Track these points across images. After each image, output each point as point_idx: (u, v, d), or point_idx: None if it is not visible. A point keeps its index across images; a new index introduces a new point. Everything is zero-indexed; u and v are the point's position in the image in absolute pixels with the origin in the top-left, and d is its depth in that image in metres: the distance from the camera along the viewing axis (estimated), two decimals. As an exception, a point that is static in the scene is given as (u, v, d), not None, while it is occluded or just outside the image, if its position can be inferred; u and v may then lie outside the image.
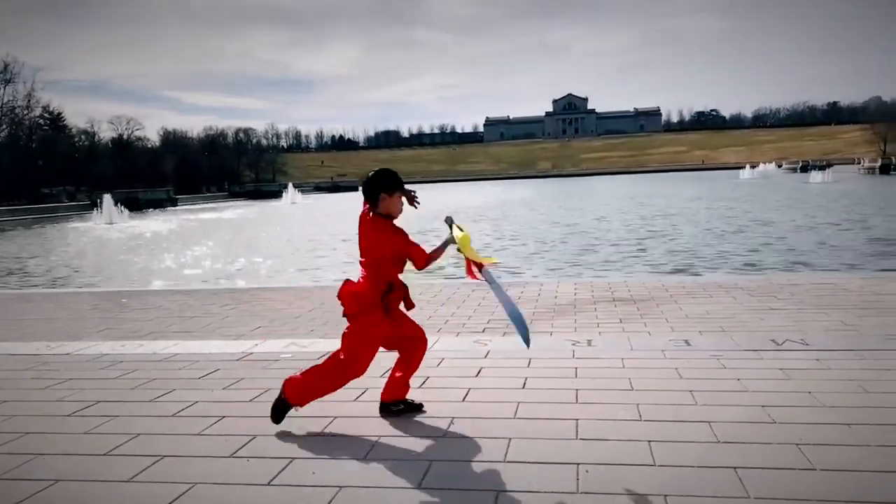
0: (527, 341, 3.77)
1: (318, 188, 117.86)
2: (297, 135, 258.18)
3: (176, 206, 75.79)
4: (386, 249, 3.88)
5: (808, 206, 32.37)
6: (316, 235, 28.46)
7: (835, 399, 4.13)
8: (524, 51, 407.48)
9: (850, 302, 7.23)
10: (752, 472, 3.19)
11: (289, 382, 4.04)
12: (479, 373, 5.08)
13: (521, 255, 18.77)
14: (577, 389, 4.54)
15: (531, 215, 35.11)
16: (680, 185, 68.96)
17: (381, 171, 3.95)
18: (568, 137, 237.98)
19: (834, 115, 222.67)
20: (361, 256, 3.98)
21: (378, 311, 3.88)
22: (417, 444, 3.72)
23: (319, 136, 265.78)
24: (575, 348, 5.72)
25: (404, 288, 4.01)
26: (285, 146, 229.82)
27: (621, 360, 5.24)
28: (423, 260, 3.91)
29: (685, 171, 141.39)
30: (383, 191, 3.89)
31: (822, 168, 76.18)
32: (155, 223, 42.54)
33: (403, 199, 3.97)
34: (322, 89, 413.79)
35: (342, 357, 3.96)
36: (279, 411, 4.05)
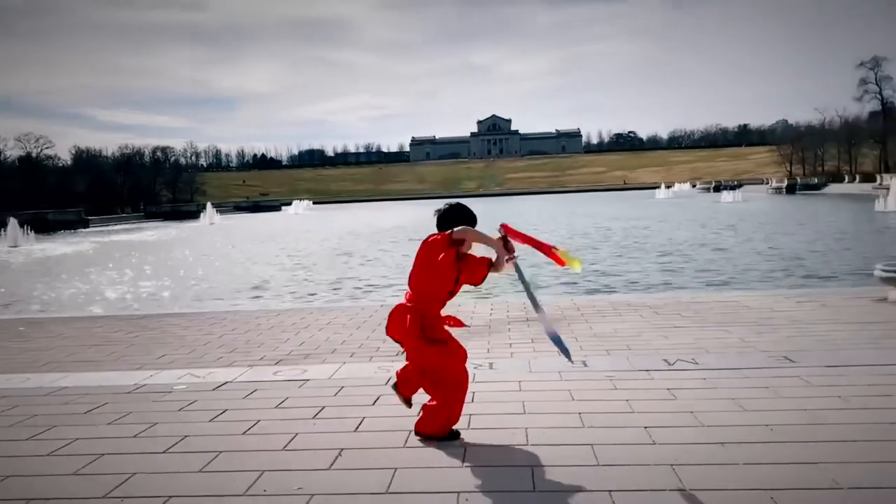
0: (568, 356, 3.93)
1: (239, 208, 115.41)
2: (218, 153, 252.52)
3: (87, 227, 72.71)
4: (445, 275, 3.99)
5: (717, 224, 33.73)
6: (233, 257, 27.82)
7: (714, 418, 4.28)
8: (448, 72, 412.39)
9: (749, 319, 7.53)
10: (626, 494, 3.27)
11: (426, 426, 4.09)
12: (376, 401, 5.04)
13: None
14: (470, 415, 4.56)
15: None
16: (600, 204, 70.83)
17: (455, 207, 4.12)
18: (493, 157, 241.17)
19: (744, 137, 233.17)
20: (414, 277, 4.10)
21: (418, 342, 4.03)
22: (300, 479, 3.65)
23: (241, 155, 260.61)
24: (476, 371, 5.75)
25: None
26: (205, 165, 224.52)
27: (518, 384, 5.30)
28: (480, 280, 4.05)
29: (605, 191, 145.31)
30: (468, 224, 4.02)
31: (732, 188, 79.68)
32: (64, 246, 40.69)
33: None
34: (243, 107, 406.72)
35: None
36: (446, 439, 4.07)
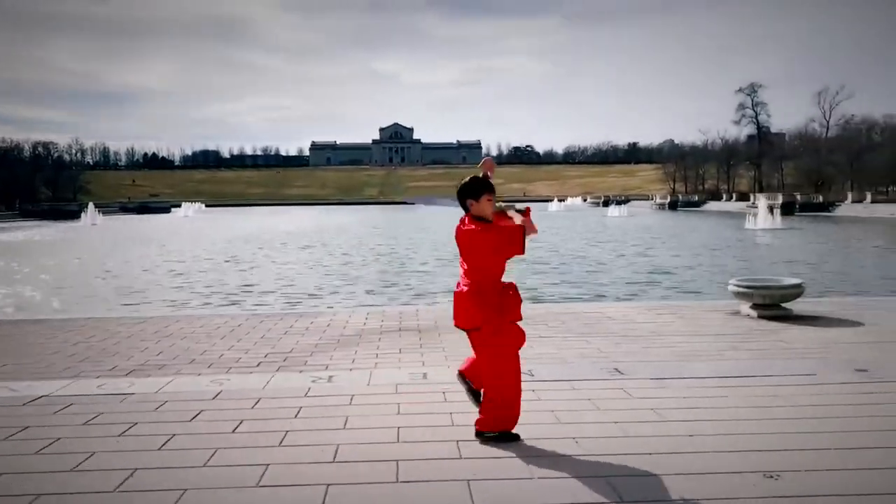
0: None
1: (125, 209, 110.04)
2: (106, 151, 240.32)
3: (-49, 224, 67.48)
4: (487, 248, 4.02)
5: (602, 237, 34.97)
6: (107, 261, 26.43)
7: (529, 431, 4.30)
8: (352, 78, 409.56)
9: (610, 330, 7.73)
10: None
11: (486, 424, 4.14)
12: (194, 417, 4.81)
13: (317, 283, 18.53)
14: (286, 431, 4.41)
15: (347, 242, 34.96)
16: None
17: (466, 181, 4.16)
18: (394, 165, 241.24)
19: (634, 154, 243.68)
20: (466, 264, 4.11)
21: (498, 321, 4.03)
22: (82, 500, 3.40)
23: (130, 154, 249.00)
24: (312, 385, 5.61)
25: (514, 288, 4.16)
26: (91, 163, 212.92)
27: (350, 398, 5.20)
28: (521, 243, 4.00)
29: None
30: (470, 197, 4.10)
31: (619, 203, 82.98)
32: (-82, 244, 37.49)
33: (491, 199, 4.11)
34: (135, 104, 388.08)
35: (493, 383, 4.09)
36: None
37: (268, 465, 3.83)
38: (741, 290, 8.70)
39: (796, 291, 8.58)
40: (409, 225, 54.14)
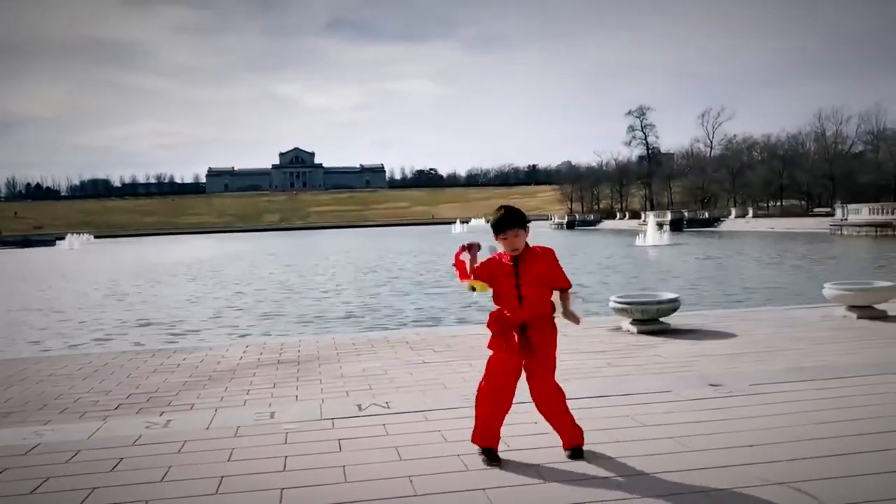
0: None
1: (4, 243, 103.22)
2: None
3: None
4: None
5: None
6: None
7: (363, 471, 4.02)
8: (249, 102, 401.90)
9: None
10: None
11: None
12: (-9, 476, 4.24)
13: (203, 316, 17.69)
14: (93, 488, 3.93)
15: (239, 272, 33.81)
16: (400, 239, 71.90)
17: (494, 217, 4.07)
18: (296, 191, 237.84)
19: (533, 176, 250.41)
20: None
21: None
22: None
23: (11, 184, 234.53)
24: (145, 431, 5.11)
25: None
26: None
27: (181, 444, 4.75)
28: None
29: (409, 225, 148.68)
30: (495, 235, 4.06)
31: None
32: None
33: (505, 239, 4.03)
34: (17, 131, 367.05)
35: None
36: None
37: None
38: (621, 306, 8.76)
39: (673, 306, 8.71)
40: (305, 252, 53.20)
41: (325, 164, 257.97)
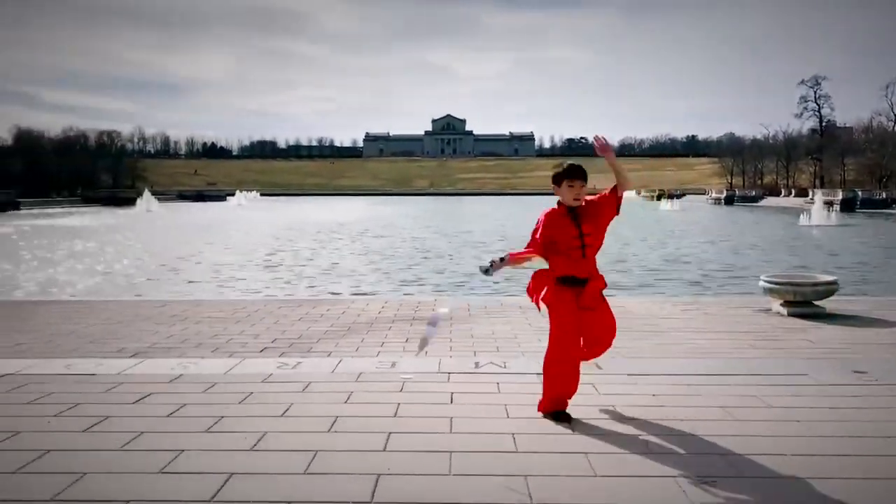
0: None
1: (182, 196, 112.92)
2: (166, 140, 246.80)
3: (19, 209, 70.38)
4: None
5: (650, 232, 34.15)
6: (152, 246, 27.04)
7: (469, 423, 4.10)
8: (405, 69, 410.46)
9: (630, 325, 7.21)
10: None
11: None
12: (139, 400, 4.73)
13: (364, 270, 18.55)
14: (221, 417, 4.29)
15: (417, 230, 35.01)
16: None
17: (566, 165, 4.25)
18: (446, 157, 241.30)
19: (692, 147, 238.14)
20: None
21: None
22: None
23: (190, 143, 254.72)
24: (276, 371, 5.49)
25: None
26: (152, 151, 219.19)
27: (306, 385, 5.06)
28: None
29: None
30: (553, 183, 4.23)
31: (672, 197, 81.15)
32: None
33: (571, 186, 4.15)
34: (194, 94, 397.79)
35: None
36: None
37: (182, 450, 3.72)
38: (771, 286, 8.22)
39: (830, 289, 8.04)
40: (456, 218, 54.03)
41: (475, 132, 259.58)
